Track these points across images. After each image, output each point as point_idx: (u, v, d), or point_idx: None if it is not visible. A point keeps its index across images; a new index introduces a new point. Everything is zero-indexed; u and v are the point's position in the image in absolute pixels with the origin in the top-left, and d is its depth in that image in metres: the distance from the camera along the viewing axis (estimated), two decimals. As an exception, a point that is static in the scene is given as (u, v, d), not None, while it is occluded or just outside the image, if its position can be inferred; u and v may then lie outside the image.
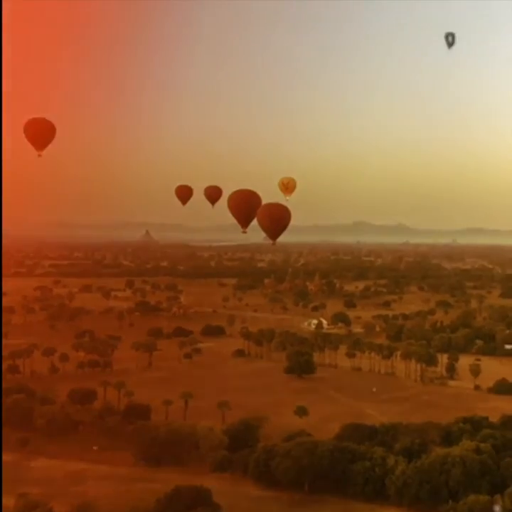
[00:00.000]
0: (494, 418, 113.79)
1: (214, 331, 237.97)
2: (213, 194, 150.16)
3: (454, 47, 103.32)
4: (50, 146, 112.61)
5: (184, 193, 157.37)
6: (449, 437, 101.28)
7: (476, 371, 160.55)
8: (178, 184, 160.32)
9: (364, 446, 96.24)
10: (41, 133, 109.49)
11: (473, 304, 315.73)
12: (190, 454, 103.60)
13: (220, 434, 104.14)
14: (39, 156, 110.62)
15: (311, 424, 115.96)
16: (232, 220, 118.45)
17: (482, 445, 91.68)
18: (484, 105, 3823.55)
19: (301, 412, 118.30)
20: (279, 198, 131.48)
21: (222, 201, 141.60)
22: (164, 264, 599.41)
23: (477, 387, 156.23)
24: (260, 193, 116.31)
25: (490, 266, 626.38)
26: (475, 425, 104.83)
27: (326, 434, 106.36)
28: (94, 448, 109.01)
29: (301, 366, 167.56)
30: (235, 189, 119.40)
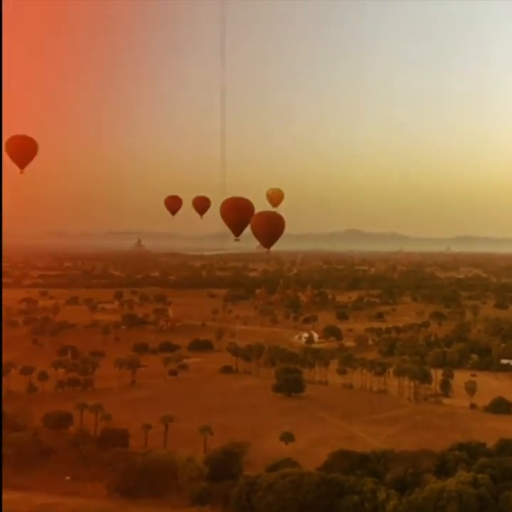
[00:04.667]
0: (491, 441, 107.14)
1: (202, 346, 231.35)
2: (201, 204, 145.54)
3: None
4: (38, 156, 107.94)
5: (173, 204, 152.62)
6: (444, 466, 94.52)
7: (472, 389, 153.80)
8: (167, 194, 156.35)
9: (353, 476, 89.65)
10: (22, 150, 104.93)
11: (468, 315, 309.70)
12: (168, 485, 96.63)
13: (200, 463, 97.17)
14: (21, 173, 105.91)
15: (298, 449, 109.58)
16: (225, 229, 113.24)
17: (479, 476, 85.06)
18: (477, 115, 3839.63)
19: (288, 438, 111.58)
20: (268, 209, 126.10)
21: (212, 211, 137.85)
22: (155, 274, 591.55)
23: (473, 406, 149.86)
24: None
25: (484, 275, 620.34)
26: (471, 452, 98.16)
27: (313, 461, 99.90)
28: (67, 478, 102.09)
29: (290, 384, 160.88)
30: (223, 199, 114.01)
